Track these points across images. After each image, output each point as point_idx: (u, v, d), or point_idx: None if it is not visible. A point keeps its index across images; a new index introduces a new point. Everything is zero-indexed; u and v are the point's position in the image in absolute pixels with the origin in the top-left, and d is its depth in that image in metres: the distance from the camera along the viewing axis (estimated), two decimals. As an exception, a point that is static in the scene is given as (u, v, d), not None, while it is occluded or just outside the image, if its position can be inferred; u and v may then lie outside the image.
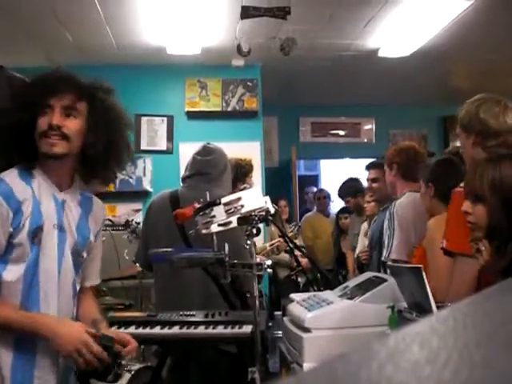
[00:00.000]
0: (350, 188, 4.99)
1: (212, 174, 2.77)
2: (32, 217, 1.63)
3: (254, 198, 1.64)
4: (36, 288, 1.65)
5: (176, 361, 2.77)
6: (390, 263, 2.33)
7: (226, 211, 1.61)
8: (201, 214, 1.63)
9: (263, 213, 1.63)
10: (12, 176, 1.66)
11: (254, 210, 1.62)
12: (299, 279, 4.84)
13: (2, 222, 1.59)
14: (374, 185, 3.67)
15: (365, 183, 4.53)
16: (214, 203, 1.61)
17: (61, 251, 1.72)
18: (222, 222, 1.62)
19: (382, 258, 3.16)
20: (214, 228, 1.63)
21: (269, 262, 1.71)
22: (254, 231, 1.63)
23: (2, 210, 1.59)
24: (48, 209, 1.69)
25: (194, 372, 2.72)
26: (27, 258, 1.63)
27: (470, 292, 1.91)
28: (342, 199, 5.10)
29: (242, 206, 1.61)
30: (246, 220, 1.62)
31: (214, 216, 1.62)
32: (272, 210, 1.69)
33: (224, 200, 1.61)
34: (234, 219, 1.62)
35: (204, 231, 1.65)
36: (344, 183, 5.14)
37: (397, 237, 3.03)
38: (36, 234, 1.64)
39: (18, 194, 1.62)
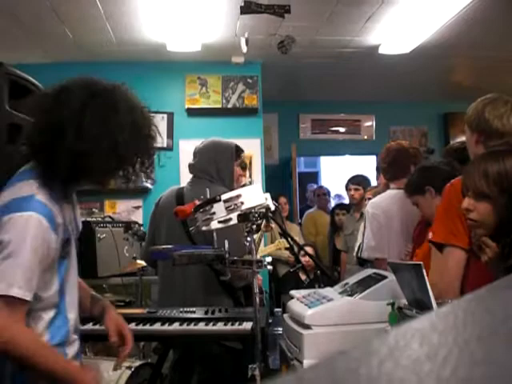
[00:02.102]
0: (364, 179, 4.96)
1: (199, 170, 2.78)
2: (62, 233, 1.58)
3: (254, 194, 1.63)
4: (64, 296, 1.63)
5: (179, 358, 2.78)
6: (391, 261, 2.34)
7: (227, 208, 1.61)
8: (201, 210, 1.63)
9: (263, 209, 1.63)
10: (48, 197, 1.53)
11: (254, 207, 1.61)
12: (303, 276, 4.84)
13: (50, 250, 1.51)
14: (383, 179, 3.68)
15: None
16: (214, 200, 1.61)
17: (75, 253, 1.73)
18: (222, 219, 1.62)
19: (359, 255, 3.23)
20: (214, 225, 1.63)
21: (269, 259, 1.70)
22: (254, 228, 1.63)
23: (52, 237, 1.51)
24: (68, 218, 1.64)
25: (198, 368, 2.73)
26: (57, 272, 1.59)
27: (458, 280, 1.92)
28: (349, 188, 5.01)
29: (242, 203, 1.60)
30: (246, 217, 1.61)
31: (214, 213, 1.62)
32: (272, 207, 1.69)
33: (224, 197, 1.61)
34: (234, 216, 1.62)
35: (204, 228, 1.64)
36: (357, 175, 5.10)
37: (366, 235, 3.07)
38: (64, 247, 1.60)
39: (56, 218, 1.54)
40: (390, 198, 3.13)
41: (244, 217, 1.61)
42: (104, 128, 1.53)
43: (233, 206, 1.60)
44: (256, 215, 1.61)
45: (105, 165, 1.55)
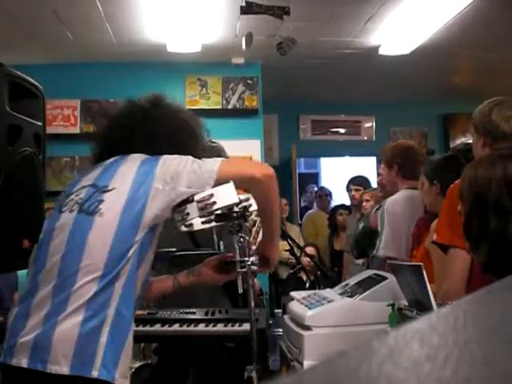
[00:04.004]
0: (365, 180, 4.96)
1: None
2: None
3: (226, 194, 1.61)
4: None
5: (175, 357, 2.78)
6: (391, 262, 2.33)
7: (199, 208, 1.59)
8: (177, 210, 1.62)
9: (242, 209, 1.62)
10: None
11: (225, 207, 1.60)
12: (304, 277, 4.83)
13: None
14: (383, 180, 3.65)
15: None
16: (188, 200, 1.60)
17: None
18: (205, 220, 1.62)
19: (373, 255, 3.19)
20: (198, 225, 1.63)
21: (253, 259, 1.68)
22: (235, 227, 1.63)
23: None
24: None
25: (193, 368, 2.73)
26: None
27: (463, 282, 1.93)
28: (350, 189, 5.01)
29: (215, 203, 1.59)
30: (225, 217, 1.61)
31: (188, 213, 1.60)
32: (254, 207, 1.68)
33: (197, 197, 1.60)
34: (214, 216, 1.62)
35: (183, 228, 1.63)
36: (358, 176, 5.10)
37: (385, 234, 3.04)
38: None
39: None
40: (406, 198, 3.10)
41: (222, 217, 1.60)
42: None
43: (205, 206, 1.59)
44: (234, 215, 1.60)
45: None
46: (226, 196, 1.60)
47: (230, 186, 1.60)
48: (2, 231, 2.17)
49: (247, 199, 1.65)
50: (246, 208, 1.62)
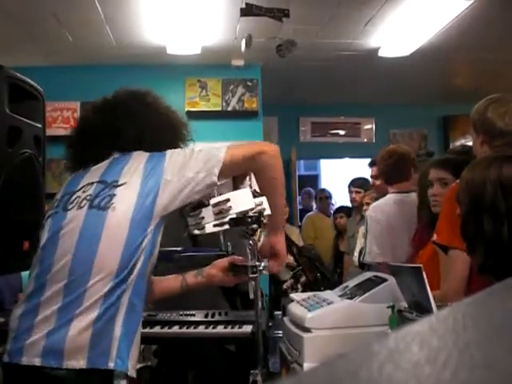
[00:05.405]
0: (365, 182, 4.96)
1: None
2: None
3: (242, 199, 1.61)
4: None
5: (174, 359, 2.78)
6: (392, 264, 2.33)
7: (215, 213, 1.59)
8: (191, 214, 1.62)
9: (257, 214, 1.61)
10: None
11: (241, 212, 1.60)
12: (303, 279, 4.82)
13: None
14: (376, 182, 3.67)
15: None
16: (203, 204, 1.60)
17: None
18: (217, 223, 1.61)
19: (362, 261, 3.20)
20: (209, 228, 1.62)
21: (265, 263, 1.68)
22: (250, 232, 1.62)
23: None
24: None
25: (192, 372, 2.72)
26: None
27: (463, 283, 1.93)
28: (351, 191, 5.02)
29: (230, 208, 1.59)
30: (239, 221, 1.60)
31: (202, 217, 1.60)
32: (268, 211, 1.67)
33: (213, 201, 1.60)
34: (227, 220, 1.61)
35: (196, 232, 1.63)
36: (359, 177, 5.10)
37: (369, 240, 3.05)
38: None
39: None
40: (393, 202, 3.11)
41: (236, 221, 1.60)
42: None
43: (221, 211, 1.59)
44: (249, 220, 1.59)
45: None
46: (243, 201, 1.60)
47: (247, 191, 1.61)
48: (1, 233, 2.17)
49: (261, 203, 1.64)
50: (260, 213, 1.62)
